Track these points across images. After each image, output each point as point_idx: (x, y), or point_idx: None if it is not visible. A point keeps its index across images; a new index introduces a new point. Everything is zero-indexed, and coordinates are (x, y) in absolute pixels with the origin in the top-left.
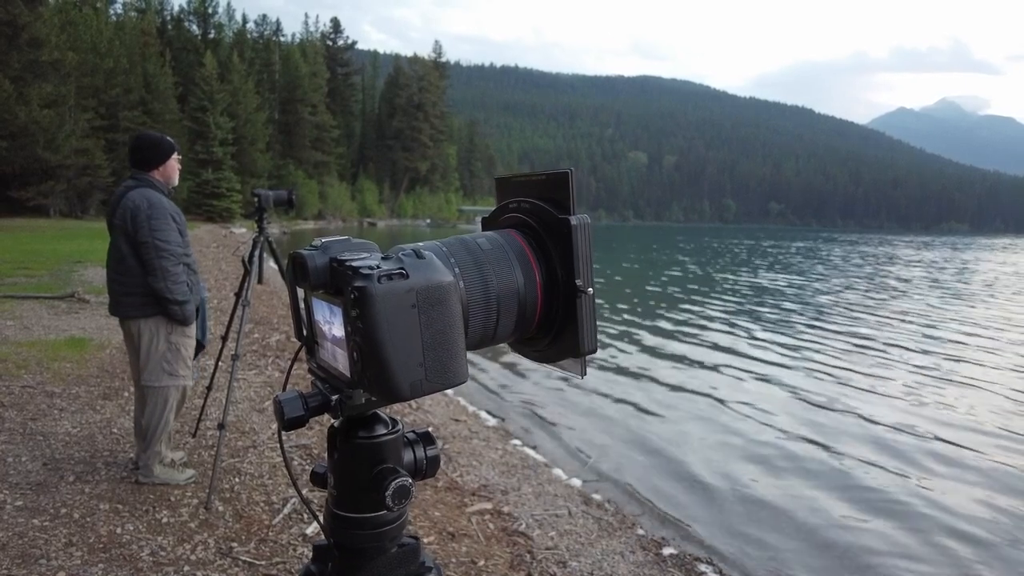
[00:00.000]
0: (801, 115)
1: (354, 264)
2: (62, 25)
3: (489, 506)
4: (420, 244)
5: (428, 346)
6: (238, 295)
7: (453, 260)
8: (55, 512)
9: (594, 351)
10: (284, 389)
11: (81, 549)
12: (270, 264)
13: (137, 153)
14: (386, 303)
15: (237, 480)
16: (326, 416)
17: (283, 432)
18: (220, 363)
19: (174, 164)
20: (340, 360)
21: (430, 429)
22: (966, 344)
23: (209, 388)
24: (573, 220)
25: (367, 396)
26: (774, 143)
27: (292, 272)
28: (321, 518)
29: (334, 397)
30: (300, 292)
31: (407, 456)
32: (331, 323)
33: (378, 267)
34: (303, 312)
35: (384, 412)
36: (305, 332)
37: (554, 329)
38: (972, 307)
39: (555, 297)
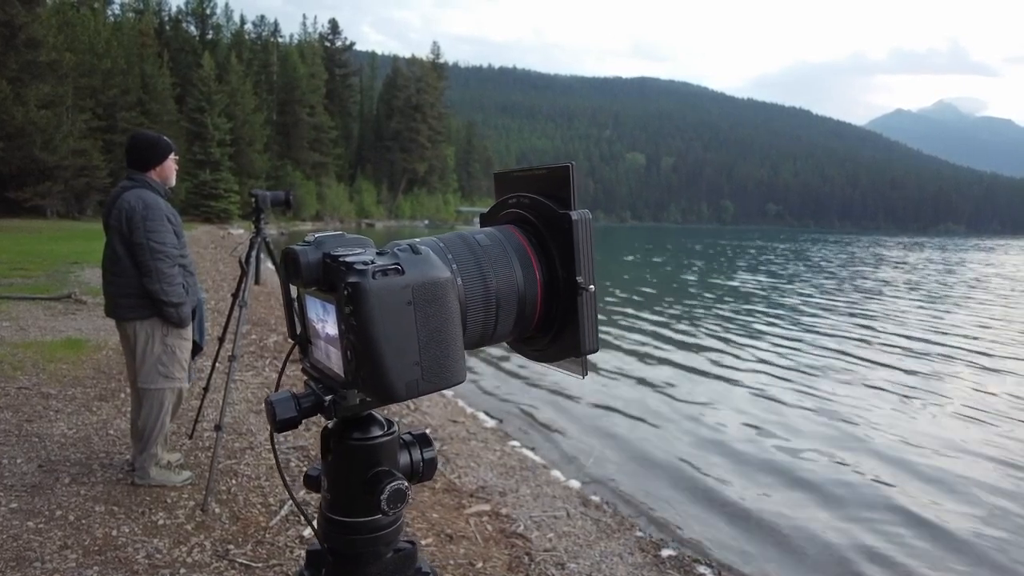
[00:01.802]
0: (799, 116)
1: (348, 260)
2: (59, 26)
3: (487, 508)
4: (416, 240)
5: (424, 345)
6: (235, 296)
7: (451, 256)
8: (50, 514)
9: (595, 350)
10: (277, 389)
11: (76, 551)
12: (267, 265)
13: (134, 153)
14: (381, 300)
15: (234, 482)
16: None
17: (276, 434)
18: (217, 364)
19: (171, 164)
20: (334, 359)
21: (427, 430)
22: (924, 349)
23: (206, 389)
24: (574, 215)
25: (361, 396)
26: (772, 144)
27: (284, 268)
28: (315, 522)
29: (327, 398)
30: (293, 289)
31: (403, 458)
32: (324, 321)
33: (373, 263)
34: (296, 310)
35: (380, 413)
36: (298, 330)
37: (554, 328)
38: (944, 311)
39: (555, 294)
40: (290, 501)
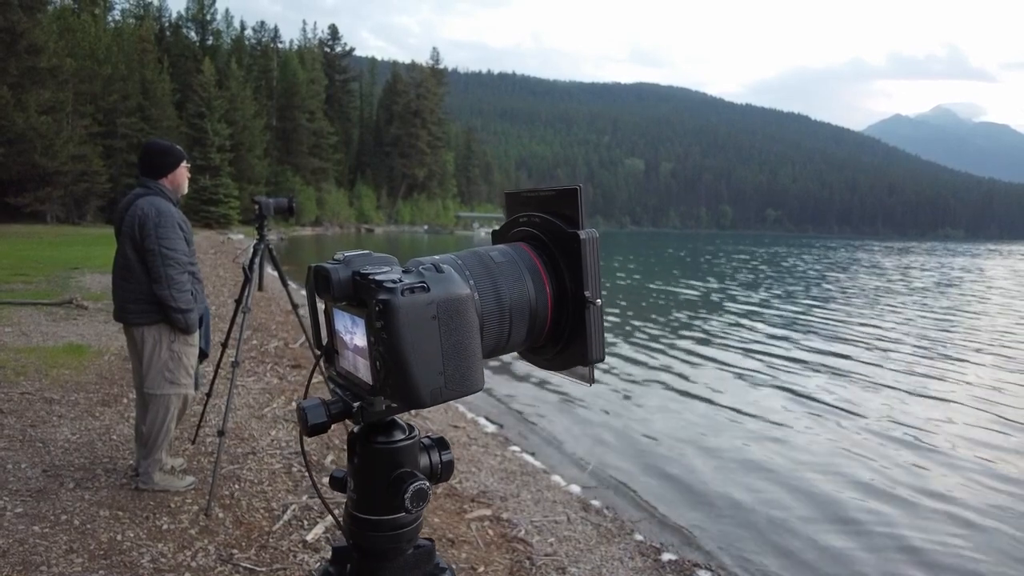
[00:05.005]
0: (797, 122)
1: (378, 278)
2: (60, 32)
3: (488, 512)
4: (436, 257)
5: (447, 355)
6: (238, 302)
7: (468, 272)
8: (55, 519)
9: (602, 360)
10: (305, 397)
11: (82, 556)
12: (269, 271)
13: (147, 160)
14: (409, 315)
15: (237, 487)
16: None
17: (305, 438)
18: (219, 370)
19: (183, 172)
20: (361, 368)
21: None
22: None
23: (209, 395)
24: (582, 234)
25: (387, 403)
26: (771, 150)
27: (314, 284)
28: (341, 520)
29: (355, 404)
30: (320, 303)
31: (423, 460)
32: (353, 333)
33: (400, 281)
34: (323, 322)
35: (401, 418)
36: (326, 342)
37: (563, 338)
38: (880, 316)
39: (565, 308)
40: (294, 505)
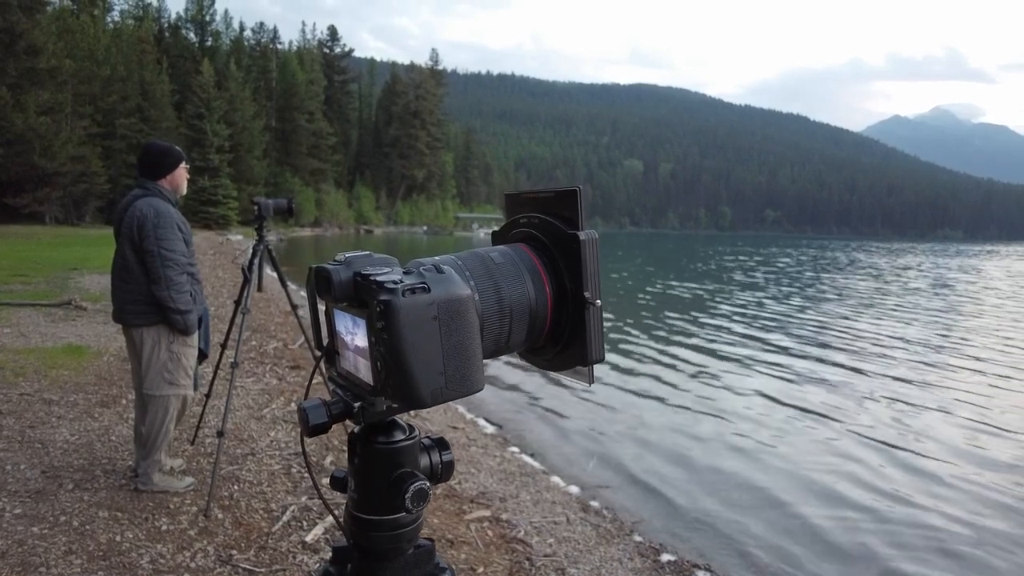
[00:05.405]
0: (796, 123)
1: (379, 279)
2: (59, 32)
3: (488, 513)
4: (437, 258)
5: (448, 356)
6: (237, 303)
7: (468, 273)
8: (54, 520)
9: (601, 360)
10: (306, 397)
11: (81, 557)
12: (268, 272)
13: (146, 161)
14: (410, 316)
15: (236, 487)
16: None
17: (306, 438)
18: (219, 370)
19: (182, 173)
20: (362, 369)
21: None
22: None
23: (208, 395)
24: (582, 235)
25: (388, 403)
26: (770, 151)
27: (315, 285)
28: (342, 520)
29: (356, 404)
30: (320, 304)
31: (423, 461)
32: (354, 334)
33: (401, 281)
34: (323, 323)
35: (402, 419)
36: (326, 342)
37: (563, 339)
38: (865, 319)
39: (564, 308)
40: (293, 506)
